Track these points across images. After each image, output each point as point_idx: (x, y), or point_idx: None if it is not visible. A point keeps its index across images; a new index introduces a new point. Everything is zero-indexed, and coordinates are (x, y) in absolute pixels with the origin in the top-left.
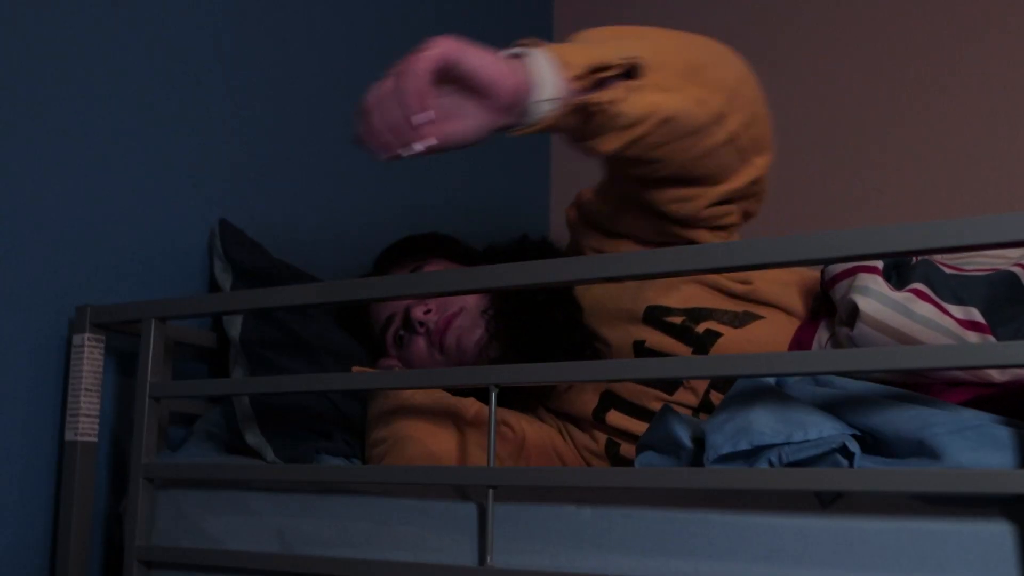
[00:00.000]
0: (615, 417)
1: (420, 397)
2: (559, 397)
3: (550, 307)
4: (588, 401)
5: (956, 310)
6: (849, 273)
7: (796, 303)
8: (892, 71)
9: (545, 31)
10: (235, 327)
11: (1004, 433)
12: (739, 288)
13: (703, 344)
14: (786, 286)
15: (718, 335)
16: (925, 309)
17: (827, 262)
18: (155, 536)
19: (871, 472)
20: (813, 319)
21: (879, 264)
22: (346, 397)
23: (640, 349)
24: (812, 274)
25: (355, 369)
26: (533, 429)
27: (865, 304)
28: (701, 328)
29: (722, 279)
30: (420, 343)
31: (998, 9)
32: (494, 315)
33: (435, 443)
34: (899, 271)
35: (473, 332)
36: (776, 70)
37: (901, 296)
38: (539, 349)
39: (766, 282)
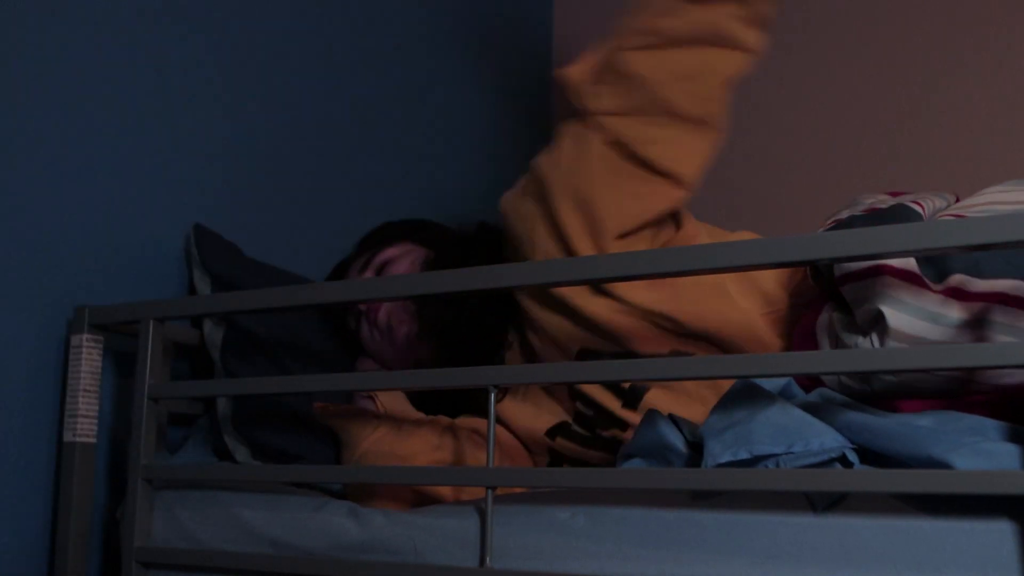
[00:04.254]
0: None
1: (388, 437)
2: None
3: (481, 311)
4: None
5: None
6: (870, 273)
7: (736, 324)
8: (893, 70)
9: (545, 31)
10: (217, 337)
11: (1007, 443)
12: (666, 324)
13: (632, 399)
14: (724, 307)
15: (645, 389)
16: (959, 311)
17: (828, 261)
18: (153, 537)
19: (871, 473)
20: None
21: (906, 264)
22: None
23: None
24: (771, 280)
25: (318, 406)
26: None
27: (896, 320)
28: (626, 384)
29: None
30: (364, 327)
31: (1001, 8)
32: (422, 311)
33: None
34: (932, 260)
35: (403, 319)
36: (773, 69)
37: (935, 300)
38: (463, 352)
39: (691, 314)
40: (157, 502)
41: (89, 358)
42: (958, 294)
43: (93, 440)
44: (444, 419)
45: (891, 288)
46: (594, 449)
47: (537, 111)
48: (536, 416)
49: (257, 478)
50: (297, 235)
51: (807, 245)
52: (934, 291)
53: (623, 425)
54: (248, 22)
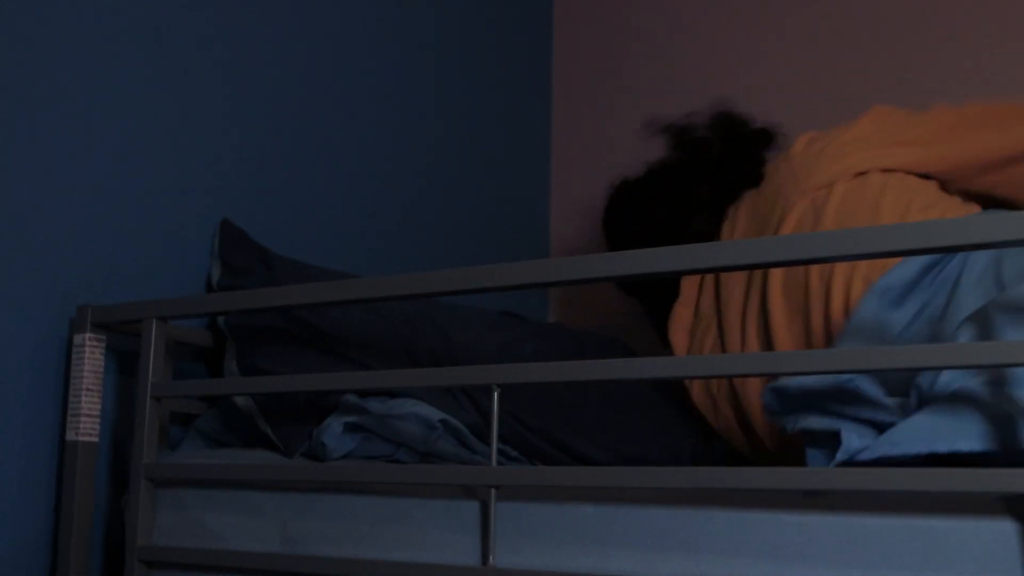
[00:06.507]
0: None
1: None
2: None
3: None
4: None
5: None
6: None
7: None
8: (900, 65)
9: (545, 31)
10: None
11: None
12: None
13: None
14: None
15: None
16: None
17: (833, 260)
18: (156, 536)
19: (866, 473)
20: None
21: None
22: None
23: None
24: None
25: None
26: None
27: None
28: None
29: None
30: None
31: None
32: None
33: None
34: None
35: None
36: (775, 69)
37: None
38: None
39: None
40: (163, 496)
41: (91, 357)
42: None
43: (95, 439)
44: None
45: None
46: None
47: (535, 108)
48: None
49: (260, 476)
50: (301, 235)
51: (809, 244)
52: None
53: None
54: (242, 23)
